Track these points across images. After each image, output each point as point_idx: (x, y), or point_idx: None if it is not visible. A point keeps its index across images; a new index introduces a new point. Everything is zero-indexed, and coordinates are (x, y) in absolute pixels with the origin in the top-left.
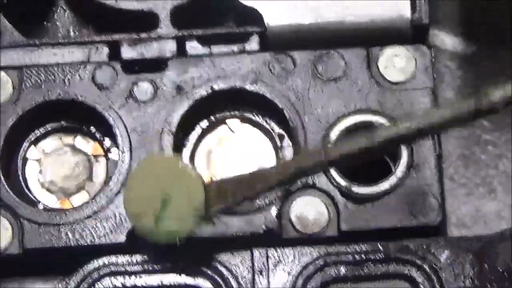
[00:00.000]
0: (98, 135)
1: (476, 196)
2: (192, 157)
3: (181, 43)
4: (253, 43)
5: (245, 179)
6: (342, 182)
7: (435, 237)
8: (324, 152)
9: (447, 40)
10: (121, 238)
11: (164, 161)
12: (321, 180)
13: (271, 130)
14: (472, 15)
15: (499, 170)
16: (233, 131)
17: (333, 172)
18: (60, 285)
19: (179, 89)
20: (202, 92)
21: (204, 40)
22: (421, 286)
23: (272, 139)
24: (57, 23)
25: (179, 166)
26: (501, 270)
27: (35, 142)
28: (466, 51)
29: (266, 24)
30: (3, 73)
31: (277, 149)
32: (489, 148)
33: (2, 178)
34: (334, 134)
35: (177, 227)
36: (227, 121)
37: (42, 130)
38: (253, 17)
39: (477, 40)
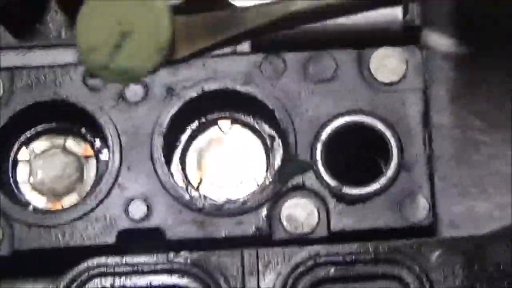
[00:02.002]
0: (89, 137)
1: (469, 197)
2: (183, 158)
3: None
4: (244, 45)
5: (221, 19)
6: (332, 183)
7: (425, 238)
8: None
9: (440, 41)
10: (111, 239)
11: None
12: (311, 181)
13: (261, 131)
14: (466, 15)
15: (492, 170)
16: (224, 132)
17: (323, 173)
18: (50, 286)
19: (169, 90)
20: (193, 93)
21: None
22: (411, 286)
23: (262, 140)
24: (49, 25)
25: None
26: (491, 271)
27: (26, 143)
28: (459, 51)
29: None
30: None
31: (268, 150)
32: (482, 148)
33: None
34: (325, 135)
35: (136, 65)
36: (218, 122)
37: (32, 131)
38: None
39: (470, 41)
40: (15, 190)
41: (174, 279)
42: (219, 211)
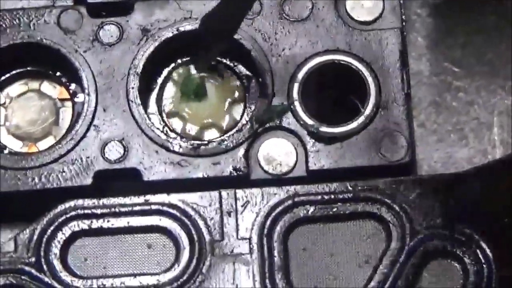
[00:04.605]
0: (64, 80)
1: (448, 143)
2: (159, 99)
3: None
4: None
5: None
6: (310, 122)
7: (404, 176)
8: None
9: None
10: (88, 180)
11: None
12: (289, 120)
13: (238, 72)
14: None
15: (471, 116)
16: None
17: (300, 112)
18: (27, 230)
19: (145, 31)
20: (168, 34)
21: None
22: (390, 224)
23: (239, 81)
24: None
25: None
26: (469, 208)
27: (1, 87)
28: None
29: None
30: None
31: (245, 91)
32: (460, 94)
33: None
34: (301, 74)
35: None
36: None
37: (7, 75)
38: None
39: None
40: None
41: (152, 221)
42: (196, 151)
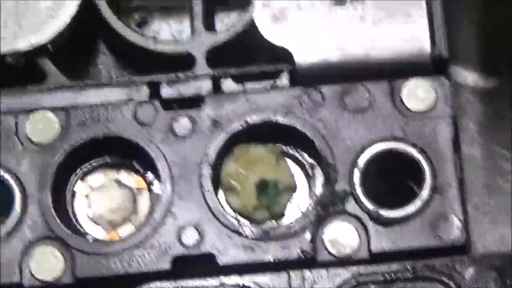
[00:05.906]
0: (140, 169)
1: (500, 224)
2: None
3: (216, 81)
4: (284, 79)
5: None
6: (371, 207)
7: (459, 255)
8: None
9: (468, 76)
10: (166, 265)
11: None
12: (351, 205)
13: (303, 161)
14: (492, 50)
15: None
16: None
17: (361, 197)
18: None
19: (215, 123)
20: (237, 125)
21: (238, 78)
22: None
23: (303, 168)
24: (99, 66)
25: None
26: None
27: (82, 177)
28: (487, 85)
29: (296, 61)
30: (51, 114)
31: (309, 178)
32: (511, 177)
33: (53, 212)
34: (362, 161)
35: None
36: None
37: (88, 166)
38: (283, 55)
39: (497, 75)
40: (74, 222)
41: None
42: (266, 236)
